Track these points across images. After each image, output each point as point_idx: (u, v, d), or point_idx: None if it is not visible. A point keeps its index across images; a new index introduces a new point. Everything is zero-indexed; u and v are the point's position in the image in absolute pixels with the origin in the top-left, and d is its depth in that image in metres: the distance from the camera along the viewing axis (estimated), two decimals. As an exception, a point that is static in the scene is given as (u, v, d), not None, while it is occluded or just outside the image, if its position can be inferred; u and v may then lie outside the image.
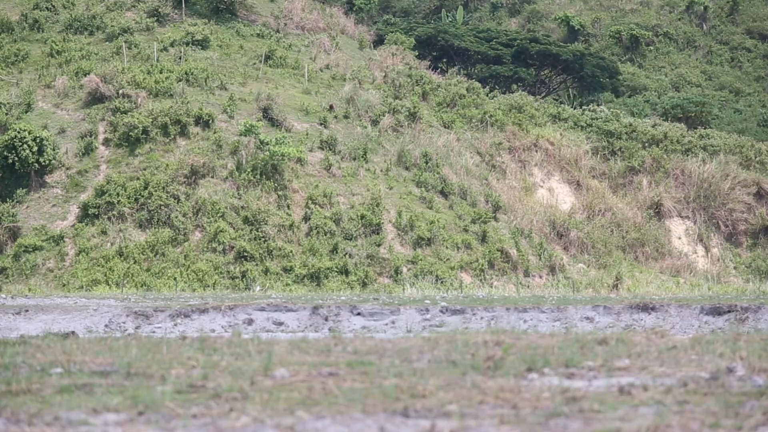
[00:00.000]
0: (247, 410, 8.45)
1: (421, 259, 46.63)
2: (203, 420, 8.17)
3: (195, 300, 28.57)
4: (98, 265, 44.96)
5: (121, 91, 52.27)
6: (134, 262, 45.36)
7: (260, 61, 58.34)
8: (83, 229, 46.79)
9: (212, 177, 49.21)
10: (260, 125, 51.04)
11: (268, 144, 49.98)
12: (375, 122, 54.76)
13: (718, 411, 8.52)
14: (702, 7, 77.25)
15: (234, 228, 47.21)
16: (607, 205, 53.53)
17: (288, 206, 48.76)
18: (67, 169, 49.18)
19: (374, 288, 44.24)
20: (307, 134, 52.48)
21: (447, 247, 47.75)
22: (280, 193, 49.01)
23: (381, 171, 51.44)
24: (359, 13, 76.52)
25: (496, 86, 68.09)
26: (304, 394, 9.15)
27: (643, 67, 75.79)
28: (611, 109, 62.23)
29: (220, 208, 47.75)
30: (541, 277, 48.24)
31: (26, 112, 51.37)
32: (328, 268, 45.30)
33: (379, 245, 47.03)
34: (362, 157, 51.73)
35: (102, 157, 50.04)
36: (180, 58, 56.77)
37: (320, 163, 51.00)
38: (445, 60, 72.19)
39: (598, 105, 63.79)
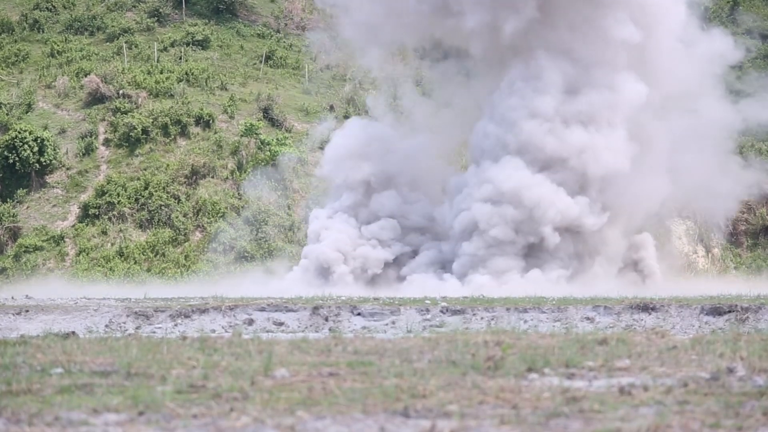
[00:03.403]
0: (248, 410, 8.46)
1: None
2: (203, 420, 8.17)
3: (195, 300, 28.61)
4: (98, 265, 44.98)
5: (121, 92, 52.30)
6: (134, 262, 45.38)
7: (261, 62, 58.35)
8: (83, 229, 46.81)
9: (213, 177, 49.23)
10: (261, 125, 51.06)
11: (268, 144, 49.99)
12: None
13: (719, 411, 8.52)
14: (702, 8, 77.29)
15: (234, 228, 47.22)
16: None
17: (288, 206, 48.78)
18: (68, 169, 49.21)
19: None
20: (307, 134, 52.47)
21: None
22: (280, 193, 49.02)
23: (381, 171, 51.36)
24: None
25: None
26: (304, 394, 9.15)
27: (644, 68, 75.74)
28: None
29: (220, 208, 47.76)
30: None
31: (27, 112, 51.40)
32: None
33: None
34: (362, 157, 51.65)
35: (102, 157, 50.06)
36: (180, 59, 56.79)
37: (320, 163, 51.00)
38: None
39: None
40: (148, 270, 45.15)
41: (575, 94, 40.66)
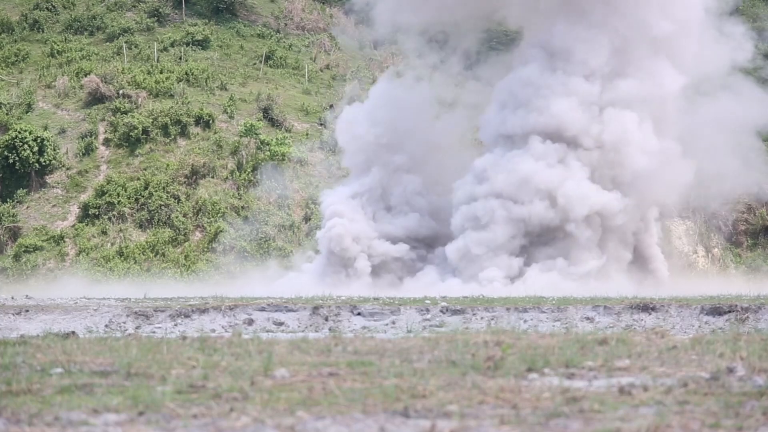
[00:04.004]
0: (248, 410, 8.45)
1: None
2: (203, 420, 8.17)
3: (195, 300, 28.60)
4: (98, 265, 44.97)
5: (121, 92, 52.30)
6: (134, 262, 45.38)
7: (260, 62, 58.35)
8: (83, 229, 46.80)
9: (212, 177, 49.23)
10: (260, 125, 51.04)
11: (268, 144, 49.97)
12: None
13: (719, 411, 8.52)
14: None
15: (234, 228, 47.23)
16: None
17: (288, 206, 48.77)
18: (68, 169, 49.21)
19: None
20: (307, 134, 52.46)
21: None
22: (279, 192, 49.02)
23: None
24: (359, 14, 76.49)
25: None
26: (304, 394, 9.15)
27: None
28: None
29: (220, 208, 47.75)
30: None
31: (27, 112, 51.39)
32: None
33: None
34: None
35: (102, 157, 50.06)
36: (180, 59, 56.79)
37: (320, 163, 50.99)
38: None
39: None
40: (148, 270, 45.15)
41: (610, 79, 40.09)
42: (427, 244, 41.42)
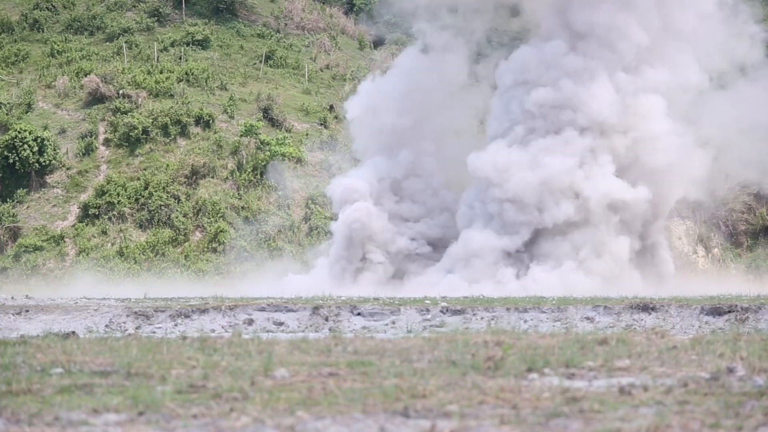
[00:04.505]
0: (248, 410, 8.45)
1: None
2: (203, 420, 8.17)
3: (195, 300, 28.60)
4: (98, 265, 44.98)
5: (121, 92, 52.30)
6: (134, 263, 45.38)
7: (260, 61, 58.34)
8: (83, 229, 46.80)
9: (212, 177, 49.22)
10: (260, 125, 51.04)
11: (268, 144, 49.97)
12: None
13: (719, 411, 8.52)
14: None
15: (234, 228, 47.23)
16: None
17: (288, 206, 48.77)
18: (68, 169, 49.20)
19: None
20: (307, 134, 52.46)
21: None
22: (280, 193, 49.02)
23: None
24: (359, 14, 76.54)
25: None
26: (304, 394, 9.15)
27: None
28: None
29: (220, 209, 47.76)
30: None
31: (27, 112, 51.38)
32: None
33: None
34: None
35: (102, 157, 50.06)
36: (180, 58, 56.78)
37: (320, 163, 50.98)
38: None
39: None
40: (149, 270, 45.14)
41: (638, 68, 39.57)
42: (442, 242, 40.91)
